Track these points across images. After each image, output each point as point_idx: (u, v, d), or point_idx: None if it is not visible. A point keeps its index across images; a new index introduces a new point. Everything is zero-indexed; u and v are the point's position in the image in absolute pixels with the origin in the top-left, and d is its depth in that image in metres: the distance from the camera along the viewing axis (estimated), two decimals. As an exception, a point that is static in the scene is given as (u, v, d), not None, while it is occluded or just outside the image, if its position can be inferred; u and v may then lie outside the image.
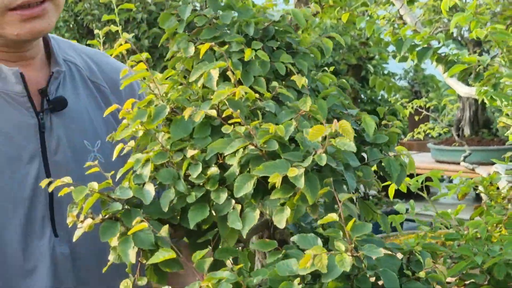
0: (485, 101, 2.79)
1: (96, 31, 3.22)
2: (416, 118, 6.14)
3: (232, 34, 1.43)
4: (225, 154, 1.14)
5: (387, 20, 4.30)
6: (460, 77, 3.53)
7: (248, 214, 1.15)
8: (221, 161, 1.22)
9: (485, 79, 2.97)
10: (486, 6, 5.01)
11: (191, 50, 1.42)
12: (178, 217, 1.25)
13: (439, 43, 2.90)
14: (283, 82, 1.41)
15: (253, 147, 1.13)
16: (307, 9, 1.43)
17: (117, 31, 3.10)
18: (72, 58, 1.86)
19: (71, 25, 6.97)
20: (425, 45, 2.88)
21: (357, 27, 3.53)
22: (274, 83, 1.34)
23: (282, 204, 1.14)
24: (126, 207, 1.21)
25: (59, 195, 1.24)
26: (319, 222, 1.10)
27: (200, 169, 1.17)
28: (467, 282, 1.64)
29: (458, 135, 6.15)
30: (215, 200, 1.16)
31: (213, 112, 1.14)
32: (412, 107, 5.38)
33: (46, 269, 1.67)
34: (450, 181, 7.21)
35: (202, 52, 1.32)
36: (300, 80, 1.20)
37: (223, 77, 1.35)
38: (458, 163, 4.41)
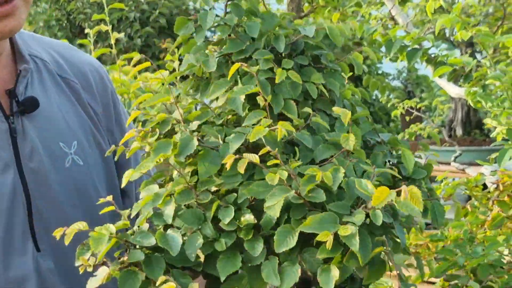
0: (470, 103, 2.74)
1: (87, 31, 3.06)
2: (407, 118, 6.03)
3: (259, 47, 1.27)
4: (266, 206, 0.99)
5: (379, 20, 4.17)
6: (449, 78, 3.47)
7: (287, 270, 1.02)
8: (252, 202, 1.05)
9: (475, 80, 2.92)
10: (476, 7, 4.94)
11: (213, 63, 1.26)
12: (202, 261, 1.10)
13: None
14: (312, 103, 1.24)
15: (295, 195, 0.94)
16: (344, 25, 1.25)
17: (110, 30, 2.92)
18: (38, 52, 1.66)
19: (64, 24, 6.80)
20: (415, 46, 2.81)
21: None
22: (307, 109, 1.17)
23: (325, 260, 1.01)
24: (145, 252, 1.07)
25: (57, 236, 1.10)
26: (370, 286, 0.93)
27: (232, 213, 1.02)
28: (452, 283, 1.64)
29: (450, 136, 6.04)
30: (249, 251, 0.99)
31: (257, 159, 0.96)
32: (403, 108, 5.26)
33: (33, 286, 1.51)
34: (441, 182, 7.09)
35: (231, 74, 1.18)
36: (346, 116, 1.03)
37: (247, 96, 1.21)
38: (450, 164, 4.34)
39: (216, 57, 1.26)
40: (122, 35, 3.14)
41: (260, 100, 1.15)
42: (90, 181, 1.62)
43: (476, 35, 2.54)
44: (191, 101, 1.22)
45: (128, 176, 1.19)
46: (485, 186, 2.18)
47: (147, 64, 1.33)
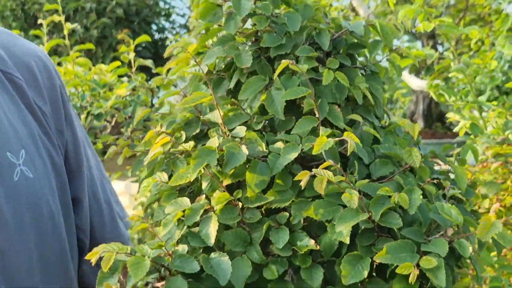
0: (433, 96, 2.69)
1: (40, 21, 2.90)
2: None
3: (297, 42, 1.13)
4: (336, 230, 0.84)
5: (339, 11, 4.09)
6: (411, 71, 3.39)
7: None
8: (304, 223, 0.95)
9: (436, 73, 2.87)
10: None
11: (248, 58, 1.11)
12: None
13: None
14: (351, 109, 1.10)
15: (366, 219, 0.82)
16: (394, 26, 1.11)
17: (64, 21, 2.77)
18: None
19: (18, 14, 6.57)
20: (376, 38, 2.75)
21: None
22: (355, 116, 1.04)
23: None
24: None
25: None
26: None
27: (287, 236, 0.92)
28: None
29: (412, 128, 5.98)
30: (306, 281, 0.86)
31: (332, 177, 0.83)
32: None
33: None
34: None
35: (277, 73, 1.05)
36: (414, 130, 0.90)
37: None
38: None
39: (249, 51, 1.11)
40: (77, 25, 3.01)
41: (306, 104, 1.01)
42: (42, 196, 1.37)
43: (439, 26, 2.50)
44: (225, 101, 1.07)
45: (147, 186, 1.04)
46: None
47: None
